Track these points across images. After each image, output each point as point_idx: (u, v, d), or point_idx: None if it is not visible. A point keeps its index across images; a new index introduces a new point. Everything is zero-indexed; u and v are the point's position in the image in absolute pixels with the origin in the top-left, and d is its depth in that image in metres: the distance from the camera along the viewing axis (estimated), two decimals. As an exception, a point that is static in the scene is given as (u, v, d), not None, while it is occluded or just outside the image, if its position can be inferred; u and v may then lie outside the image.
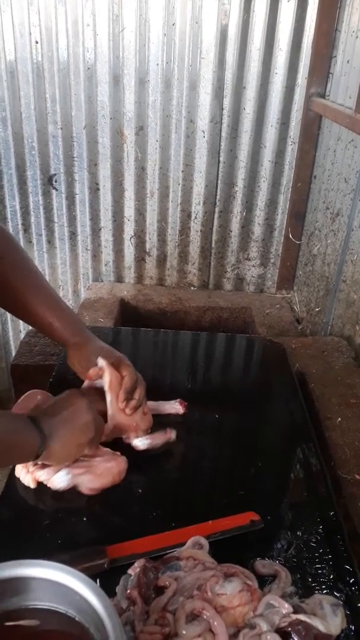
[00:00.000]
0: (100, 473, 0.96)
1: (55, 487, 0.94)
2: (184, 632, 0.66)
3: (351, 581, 0.81)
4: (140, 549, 0.82)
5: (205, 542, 0.82)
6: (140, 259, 2.56)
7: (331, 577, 0.81)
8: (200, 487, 1.02)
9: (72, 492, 0.96)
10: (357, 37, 1.81)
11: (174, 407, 1.17)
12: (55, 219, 2.48)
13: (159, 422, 1.10)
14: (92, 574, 0.69)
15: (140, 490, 0.97)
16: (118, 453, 1.00)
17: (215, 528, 0.86)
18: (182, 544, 0.82)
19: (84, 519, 0.90)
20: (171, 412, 1.16)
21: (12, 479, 0.97)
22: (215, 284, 2.60)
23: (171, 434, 1.06)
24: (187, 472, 1.06)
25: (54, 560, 0.62)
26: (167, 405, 1.17)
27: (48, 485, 0.94)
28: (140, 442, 1.04)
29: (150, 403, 1.13)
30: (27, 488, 0.95)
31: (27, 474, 0.95)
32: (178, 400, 1.18)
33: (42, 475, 0.94)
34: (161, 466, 1.04)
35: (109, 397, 1.03)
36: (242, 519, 0.89)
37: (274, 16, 2.08)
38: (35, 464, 0.94)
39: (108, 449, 1.01)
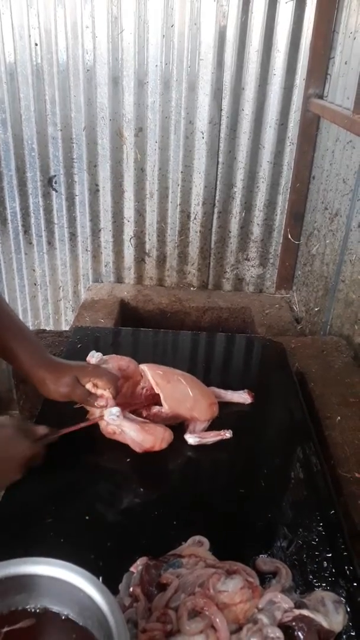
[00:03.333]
0: (147, 430, 1.01)
1: (106, 418, 1.01)
2: (186, 628, 0.67)
3: (352, 579, 0.81)
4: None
5: (205, 540, 0.83)
6: (140, 260, 2.57)
7: (332, 574, 0.82)
8: (200, 486, 1.03)
9: (74, 490, 0.97)
10: (354, 39, 1.82)
11: (242, 396, 1.20)
12: (55, 220, 2.49)
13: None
14: None
15: (141, 489, 0.98)
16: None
17: None
18: None
19: (86, 517, 0.91)
20: (239, 401, 1.20)
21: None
22: (214, 284, 2.61)
23: (226, 434, 1.09)
24: (187, 471, 1.06)
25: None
26: (235, 395, 1.20)
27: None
28: (192, 439, 1.07)
29: (218, 391, 1.17)
30: (29, 486, 0.96)
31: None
32: (246, 390, 1.21)
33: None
34: (162, 465, 1.05)
35: (162, 394, 1.09)
36: None
37: (272, 18, 2.09)
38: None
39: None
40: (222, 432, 1.09)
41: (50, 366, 1.03)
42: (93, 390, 1.04)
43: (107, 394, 1.04)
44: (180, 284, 2.61)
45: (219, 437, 1.09)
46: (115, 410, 1.01)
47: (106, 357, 1.13)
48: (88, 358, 1.12)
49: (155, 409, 1.11)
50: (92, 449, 1.08)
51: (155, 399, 1.12)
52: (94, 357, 1.11)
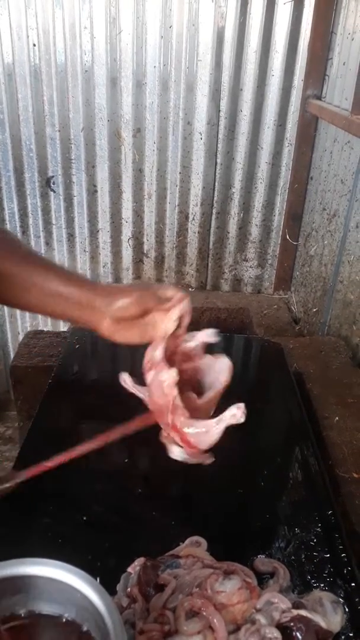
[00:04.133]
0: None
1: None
2: (184, 628, 0.66)
3: (349, 579, 0.81)
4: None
5: (203, 541, 0.83)
6: (138, 261, 2.57)
7: (330, 574, 0.82)
8: (198, 486, 1.02)
9: (71, 490, 0.97)
10: (352, 39, 1.83)
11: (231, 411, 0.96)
12: (53, 221, 2.49)
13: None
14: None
15: (139, 490, 0.98)
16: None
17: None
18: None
19: (84, 518, 0.90)
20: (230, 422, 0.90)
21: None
22: (213, 285, 2.61)
23: (208, 459, 0.87)
24: (184, 472, 1.06)
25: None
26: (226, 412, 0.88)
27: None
28: (178, 455, 0.87)
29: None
30: (26, 487, 0.95)
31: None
32: (239, 405, 0.88)
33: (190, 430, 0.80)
34: (159, 466, 1.05)
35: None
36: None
37: (270, 18, 2.09)
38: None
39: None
40: (205, 456, 0.88)
41: (106, 287, 0.81)
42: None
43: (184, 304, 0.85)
44: (179, 284, 2.61)
45: (202, 459, 0.88)
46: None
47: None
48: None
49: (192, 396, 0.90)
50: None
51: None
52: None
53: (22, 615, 0.62)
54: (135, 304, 0.79)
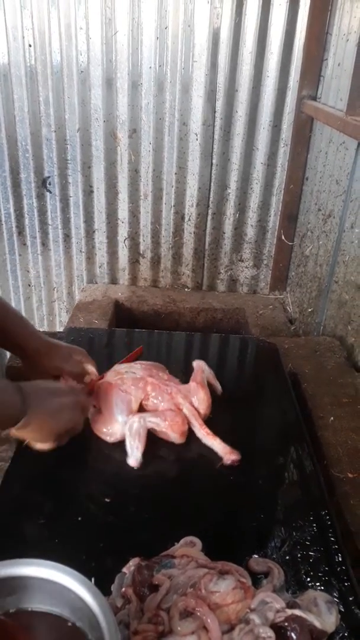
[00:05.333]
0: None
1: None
2: (178, 628, 0.67)
3: (344, 578, 0.82)
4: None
5: (198, 541, 0.83)
6: (134, 261, 2.57)
7: (324, 574, 0.82)
8: (193, 487, 1.03)
9: (67, 491, 0.97)
10: (347, 40, 1.83)
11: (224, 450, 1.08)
12: (50, 222, 2.49)
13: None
14: None
15: (134, 490, 0.98)
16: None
17: None
18: None
19: (79, 518, 0.91)
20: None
21: (8, 479, 0.97)
22: (208, 285, 2.61)
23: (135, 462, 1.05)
24: (179, 472, 1.06)
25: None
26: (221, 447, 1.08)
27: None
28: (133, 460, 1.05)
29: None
30: (22, 486, 0.95)
31: None
32: (232, 452, 1.07)
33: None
34: (156, 465, 1.05)
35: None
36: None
37: (265, 19, 2.09)
38: None
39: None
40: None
41: (45, 341, 1.10)
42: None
43: (92, 368, 1.15)
44: (175, 285, 2.61)
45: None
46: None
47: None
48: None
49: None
50: (85, 450, 1.08)
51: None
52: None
53: (13, 612, 0.62)
54: (60, 368, 1.12)
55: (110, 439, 1.09)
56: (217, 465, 1.05)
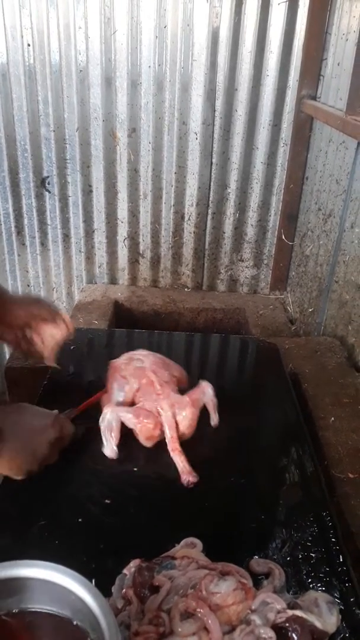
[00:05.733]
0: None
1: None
2: (179, 629, 0.66)
3: (345, 579, 0.81)
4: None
5: (198, 542, 0.83)
6: (133, 261, 2.56)
7: (325, 575, 0.82)
8: (193, 487, 1.02)
9: (67, 492, 0.96)
10: (347, 40, 1.83)
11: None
12: (49, 222, 2.48)
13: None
14: None
15: (134, 491, 0.98)
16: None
17: None
18: None
19: (79, 519, 0.90)
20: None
21: (8, 480, 0.97)
22: (209, 285, 2.61)
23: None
24: (180, 474, 1.06)
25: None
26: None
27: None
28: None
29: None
30: (22, 487, 0.95)
31: None
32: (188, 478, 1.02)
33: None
34: (155, 467, 1.05)
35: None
36: None
37: (265, 19, 2.09)
38: None
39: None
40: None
41: (9, 295, 1.15)
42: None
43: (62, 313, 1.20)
44: (175, 285, 2.61)
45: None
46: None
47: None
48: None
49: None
50: (85, 451, 1.08)
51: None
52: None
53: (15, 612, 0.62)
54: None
55: None
56: (176, 482, 1.01)
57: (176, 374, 1.23)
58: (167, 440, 1.07)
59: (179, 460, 1.03)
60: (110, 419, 1.07)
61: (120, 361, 1.21)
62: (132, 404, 1.13)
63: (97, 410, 1.16)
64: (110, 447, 1.05)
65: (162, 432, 1.08)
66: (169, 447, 1.06)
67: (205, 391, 1.17)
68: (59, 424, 0.97)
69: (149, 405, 1.10)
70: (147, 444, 1.08)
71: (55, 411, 1.02)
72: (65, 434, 0.99)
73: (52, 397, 1.22)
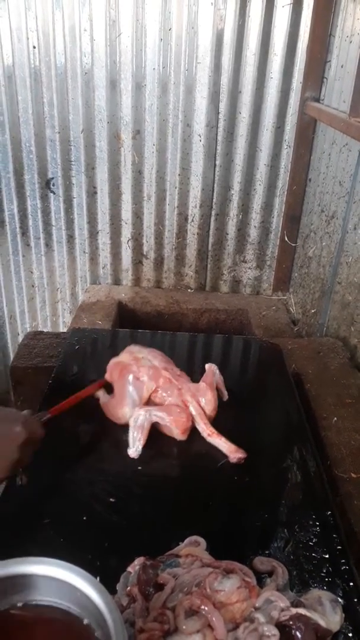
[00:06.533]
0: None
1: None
2: (183, 627, 0.67)
3: (347, 578, 0.82)
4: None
5: (202, 540, 0.83)
6: (137, 262, 2.57)
7: (328, 574, 0.82)
8: (197, 486, 1.03)
9: (71, 490, 0.97)
10: (351, 42, 1.84)
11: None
12: (53, 222, 2.49)
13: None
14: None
15: (139, 489, 0.99)
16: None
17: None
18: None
19: (84, 518, 0.91)
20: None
21: (13, 478, 0.98)
22: (212, 286, 2.62)
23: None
24: (184, 472, 1.07)
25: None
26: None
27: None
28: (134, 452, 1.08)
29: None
30: (27, 486, 0.96)
31: None
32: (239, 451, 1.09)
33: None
34: (159, 466, 1.06)
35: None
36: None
37: (269, 21, 2.10)
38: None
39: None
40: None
41: None
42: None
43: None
44: (178, 285, 2.61)
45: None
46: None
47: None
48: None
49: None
50: (90, 449, 1.08)
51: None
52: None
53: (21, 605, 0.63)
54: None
55: (121, 421, 1.13)
56: (219, 464, 1.05)
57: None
58: (200, 429, 1.12)
59: (221, 442, 1.09)
60: (143, 420, 1.09)
61: (126, 361, 1.21)
62: (147, 403, 1.15)
63: (95, 410, 1.17)
64: (136, 448, 1.07)
65: (193, 422, 1.12)
66: (205, 434, 1.11)
67: (215, 372, 1.25)
68: (28, 426, 0.89)
69: (174, 400, 1.14)
70: (183, 437, 1.11)
71: (26, 412, 0.97)
72: (36, 436, 0.91)
73: (57, 397, 1.23)
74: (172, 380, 1.16)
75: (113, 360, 1.23)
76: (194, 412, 1.13)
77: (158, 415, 1.10)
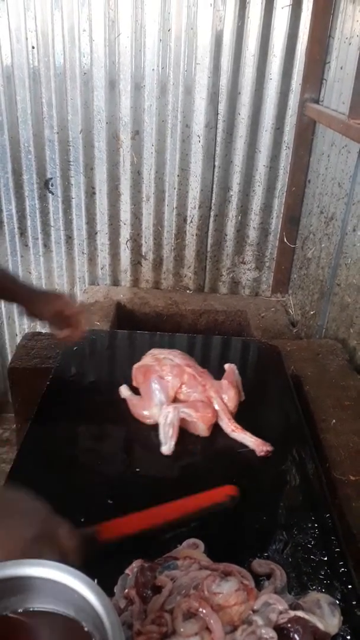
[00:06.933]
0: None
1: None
2: (181, 629, 0.67)
3: (346, 581, 0.82)
4: (130, 529, 0.83)
5: (200, 543, 0.83)
6: (136, 263, 2.57)
7: (326, 576, 0.82)
8: (196, 488, 1.03)
9: (70, 492, 0.97)
10: (350, 44, 1.84)
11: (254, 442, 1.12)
12: (52, 223, 2.49)
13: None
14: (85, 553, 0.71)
15: (137, 491, 0.98)
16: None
17: (195, 504, 0.91)
18: (169, 522, 0.87)
19: (82, 519, 0.90)
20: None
21: (11, 479, 0.98)
22: (210, 288, 2.62)
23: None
24: (182, 474, 1.06)
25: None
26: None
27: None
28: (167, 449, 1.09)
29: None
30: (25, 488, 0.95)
31: None
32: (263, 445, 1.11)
33: None
34: (158, 468, 1.05)
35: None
36: (219, 495, 0.94)
37: (268, 22, 2.10)
38: None
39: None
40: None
41: (33, 291, 1.30)
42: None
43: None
44: (177, 286, 2.61)
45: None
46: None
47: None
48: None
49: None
50: (88, 451, 1.08)
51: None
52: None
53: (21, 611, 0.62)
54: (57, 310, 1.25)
55: (149, 421, 1.15)
56: (238, 450, 1.09)
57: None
58: (224, 424, 1.14)
59: (246, 437, 1.11)
60: (173, 417, 1.10)
61: (149, 363, 1.23)
62: (174, 400, 1.17)
63: (95, 410, 1.16)
64: (169, 445, 1.08)
65: (218, 418, 1.15)
66: (229, 429, 1.13)
67: (235, 371, 1.29)
68: (53, 536, 0.70)
69: (198, 396, 1.16)
70: (207, 432, 1.13)
71: (64, 524, 0.74)
72: (64, 549, 0.71)
73: (54, 398, 1.23)
74: (196, 377, 1.19)
75: (136, 366, 1.26)
76: (217, 408, 1.15)
77: (186, 412, 1.12)
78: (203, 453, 1.12)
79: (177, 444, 1.09)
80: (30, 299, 1.24)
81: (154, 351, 1.29)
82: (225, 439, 1.15)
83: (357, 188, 1.71)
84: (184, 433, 1.13)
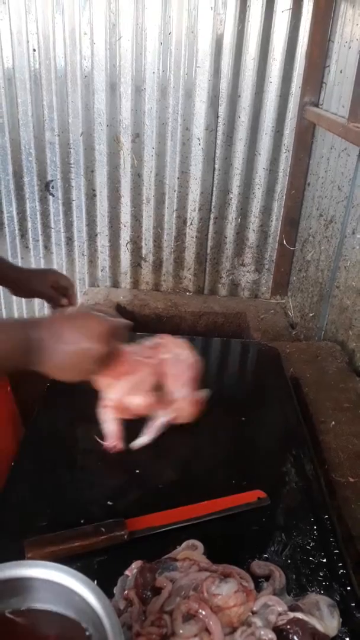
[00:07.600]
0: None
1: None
2: (180, 631, 0.67)
3: (345, 582, 0.82)
4: (157, 522, 0.88)
5: (200, 544, 0.83)
6: (136, 265, 2.57)
7: (325, 578, 0.82)
8: (195, 490, 1.03)
9: (69, 493, 0.97)
10: (350, 48, 1.85)
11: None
12: (52, 225, 2.50)
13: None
14: (113, 545, 0.81)
15: (136, 492, 0.98)
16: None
17: (225, 504, 0.94)
18: (195, 519, 0.89)
19: (81, 521, 0.91)
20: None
21: (11, 480, 0.98)
22: (210, 290, 2.62)
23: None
24: (181, 475, 1.07)
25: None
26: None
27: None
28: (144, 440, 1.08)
29: None
30: (24, 488, 0.96)
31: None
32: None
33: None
34: (157, 469, 1.05)
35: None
36: (250, 497, 0.96)
37: (268, 26, 2.11)
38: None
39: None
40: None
41: (21, 271, 1.39)
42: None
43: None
44: (176, 288, 2.62)
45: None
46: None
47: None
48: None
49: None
50: (87, 451, 1.08)
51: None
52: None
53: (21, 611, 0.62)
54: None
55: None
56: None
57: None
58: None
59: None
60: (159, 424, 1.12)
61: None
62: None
63: (96, 410, 1.17)
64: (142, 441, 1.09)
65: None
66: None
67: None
68: (108, 337, 0.89)
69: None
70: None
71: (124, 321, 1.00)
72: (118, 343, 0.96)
73: (54, 399, 1.23)
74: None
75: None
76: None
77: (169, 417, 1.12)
78: (212, 448, 1.11)
79: (173, 443, 1.08)
80: (20, 278, 1.32)
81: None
82: (225, 439, 1.16)
83: (356, 191, 1.72)
84: (175, 430, 1.12)
